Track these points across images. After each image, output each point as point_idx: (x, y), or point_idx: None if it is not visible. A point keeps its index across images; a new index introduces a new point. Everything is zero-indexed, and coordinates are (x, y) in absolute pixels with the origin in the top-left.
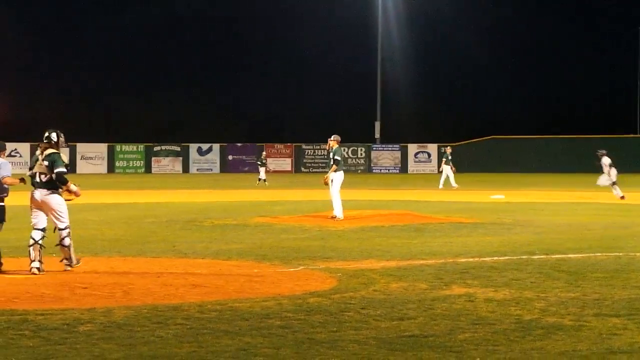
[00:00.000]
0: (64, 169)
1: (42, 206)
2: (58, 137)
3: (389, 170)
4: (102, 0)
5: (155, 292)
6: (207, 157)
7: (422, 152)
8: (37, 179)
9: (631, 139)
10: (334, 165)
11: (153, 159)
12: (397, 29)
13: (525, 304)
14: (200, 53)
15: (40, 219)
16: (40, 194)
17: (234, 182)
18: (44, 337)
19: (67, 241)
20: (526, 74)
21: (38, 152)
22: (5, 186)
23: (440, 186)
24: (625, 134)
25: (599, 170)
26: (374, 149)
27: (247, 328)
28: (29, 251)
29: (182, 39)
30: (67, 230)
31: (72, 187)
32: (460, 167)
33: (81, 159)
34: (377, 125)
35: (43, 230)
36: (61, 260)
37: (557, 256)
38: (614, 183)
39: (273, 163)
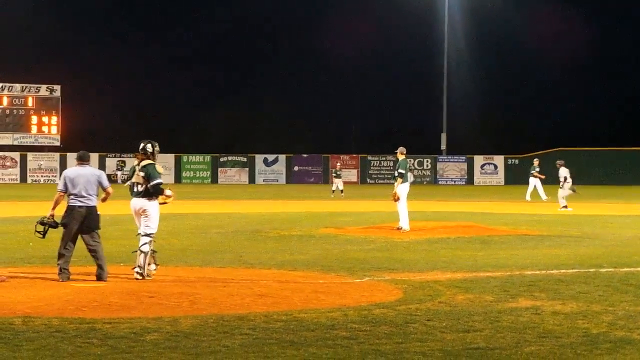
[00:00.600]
0: (160, 180)
1: (139, 213)
2: (153, 147)
3: (455, 181)
4: (169, 11)
5: (221, 302)
6: (273, 167)
7: (489, 163)
8: (135, 189)
9: None
10: (399, 179)
11: (219, 169)
12: (463, 41)
13: (593, 318)
14: (267, 64)
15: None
16: (138, 202)
17: (300, 193)
18: (111, 346)
19: (146, 247)
20: (595, 85)
21: (135, 162)
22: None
23: (527, 197)
24: None
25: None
26: (440, 160)
27: (312, 339)
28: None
29: (248, 50)
30: (150, 238)
31: (167, 192)
32: (527, 179)
33: None
34: (443, 136)
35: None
36: (133, 268)
37: (625, 269)
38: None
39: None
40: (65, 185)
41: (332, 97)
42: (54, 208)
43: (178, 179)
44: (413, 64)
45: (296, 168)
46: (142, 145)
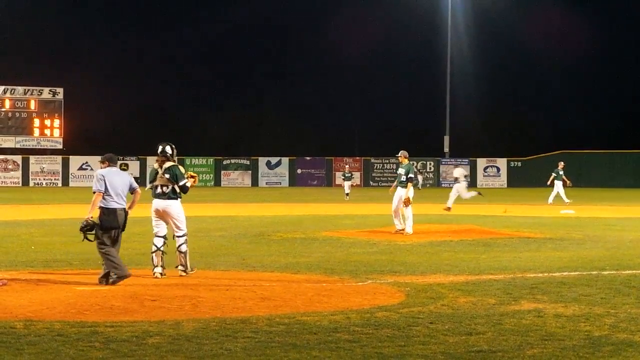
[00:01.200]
0: (186, 181)
1: (163, 215)
2: (172, 149)
3: None
4: (172, 14)
5: (223, 305)
6: (276, 170)
7: (492, 166)
8: (160, 190)
9: None
10: (409, 183)
11: (222, 172)
12: (466, 44)
13: (595, 320)
14: (269, 67)
15: (161, 227)
16: (162, 204)
17: (303, 196)
18: (113, 349)
19: (184, 247)
20: (598, 88)
21: (156, 165)
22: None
23: (550, 201)
24: None
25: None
26: (443, 163)
27: (315, 342)
28: (152, 257)
29: (251, 53)
30: (185, 238)
31: (189, 181)
32: (530, 182)
33: None
34: (446, 139)
35: (164, 237)
36: (176, 267)
37: (627, 272)
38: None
39: (341, 177)
40: (105, 186)
41: (335, 100)
42: (93, 209)
43: None
44: (416, 66)
45: (299, 171)
46: (161, 147)
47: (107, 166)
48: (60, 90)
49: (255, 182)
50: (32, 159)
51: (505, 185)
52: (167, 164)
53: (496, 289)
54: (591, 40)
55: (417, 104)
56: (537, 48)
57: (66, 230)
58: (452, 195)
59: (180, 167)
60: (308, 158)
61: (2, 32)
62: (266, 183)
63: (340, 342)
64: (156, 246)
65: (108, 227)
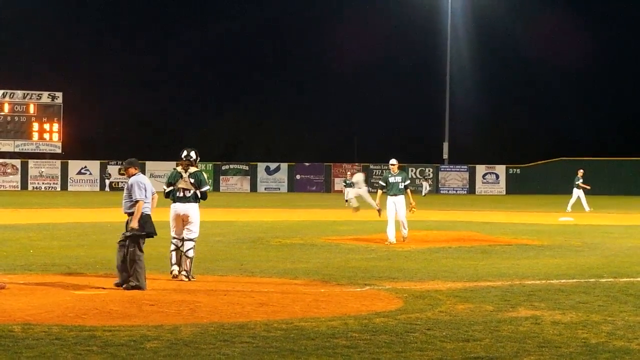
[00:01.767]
0: (208, 187)
1: (183, 218)
2: (196, 155)
3: (456, 191)
4: (171, 20)
5: (221, 310)
6: (275, 176)
7: (490, 173)
8: (181, 194)
9: None
10: (407, 190)
11: (221, 177)
12: (466, 51)
13: (593, 328)
14: (269, 72)
15: (179, 229)
16: (184, 207)
17: (302, 202)
18: (111, 353)
19: (191, 253)
20: (597, 95)
21: (179, 168)
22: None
23: (568, 209)
24: None
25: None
26: (442, 169)
27: (312, 347)
28: (171, 255)
29: (250, 59)
30: (194, 243)
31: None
32: (529, 189)
33: (150, 177)
34: (445, 146)
35: (182, 239)
36: (180, 272)
37: (625, 279)
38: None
39: (341, 183)
40: (146, 193)
41: (334, 106)
42: (140, 218)
43: None
44: (416, 73)
45: (298, 177)
46: (185, 152)
47: (137, 172)
48: (59, 94)
49: (254, 187)
50: (31, 163)
51: (504, 192)
52: (192, 169)
53: (494, 295)
54: (590, 48)
55: (416, 111)
56: (537, 55)
57: (65, 235)
58: (353, 198)
59: (205, 174)
60: (307, 164)
61: (1, 37)
62: (265, 188)
63: (338, 348)
64: (175, 245)
65: (151, 233)
